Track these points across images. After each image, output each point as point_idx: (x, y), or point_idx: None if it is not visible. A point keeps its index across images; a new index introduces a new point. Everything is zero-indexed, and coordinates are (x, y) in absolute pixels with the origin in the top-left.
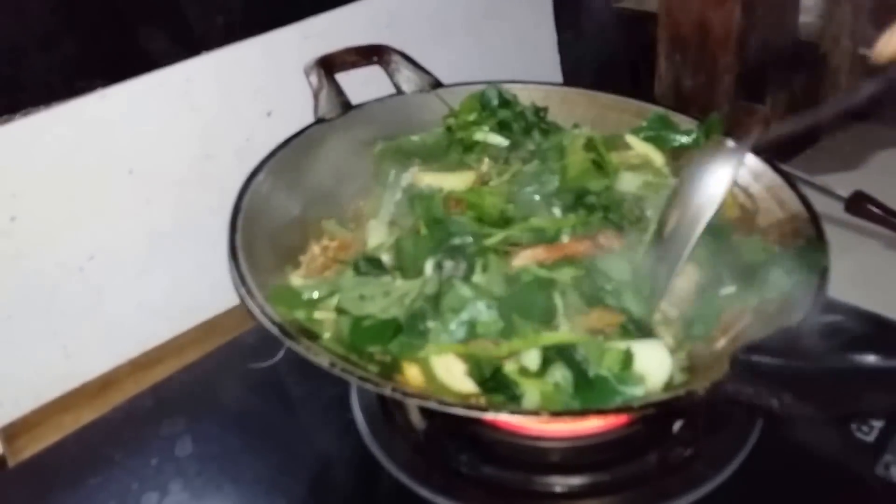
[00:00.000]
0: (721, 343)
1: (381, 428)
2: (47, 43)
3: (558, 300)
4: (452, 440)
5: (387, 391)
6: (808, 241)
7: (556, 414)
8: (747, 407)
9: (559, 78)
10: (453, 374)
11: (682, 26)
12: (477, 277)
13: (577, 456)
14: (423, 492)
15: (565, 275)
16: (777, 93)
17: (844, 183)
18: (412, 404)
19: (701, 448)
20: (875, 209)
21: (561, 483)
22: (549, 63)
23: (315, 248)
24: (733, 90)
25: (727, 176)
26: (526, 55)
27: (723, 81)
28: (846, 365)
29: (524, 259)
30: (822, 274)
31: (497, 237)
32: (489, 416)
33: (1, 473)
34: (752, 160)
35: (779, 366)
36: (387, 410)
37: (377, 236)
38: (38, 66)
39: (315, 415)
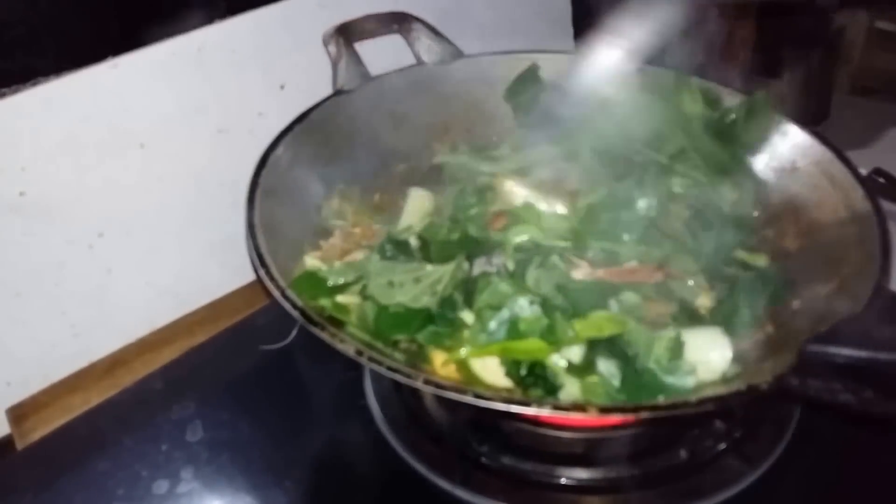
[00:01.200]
0: (769, 329)
1: (396, 415)
2: (57, 10)
3: (613, 304)
4: (473, 430)
5: (419, 384)
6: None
7: (605, 410)
8: (815, 404)
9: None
10: (488, 367)
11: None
12: (530, 275)
13: (604, 448)
14: (442, 482)
15: (627, 297)
16: (793, 68)
17: (859, 160)
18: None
19: (735, 442)
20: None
21: (586, 476)
22: (564, 34)
23: (338, 235)
24: (749, 66)
25: None
26: (542, 23)
27: (739, 57)
28: None
29: (584, 273)
30: (885, 255)
31: (563, 245)
32: (532, 411)
33: (9, 457)
34: (798, 134)
35: (857, 358)
36: (403, 397)
37: (415, 208)
38: (48, 35)
39: (328, 400)
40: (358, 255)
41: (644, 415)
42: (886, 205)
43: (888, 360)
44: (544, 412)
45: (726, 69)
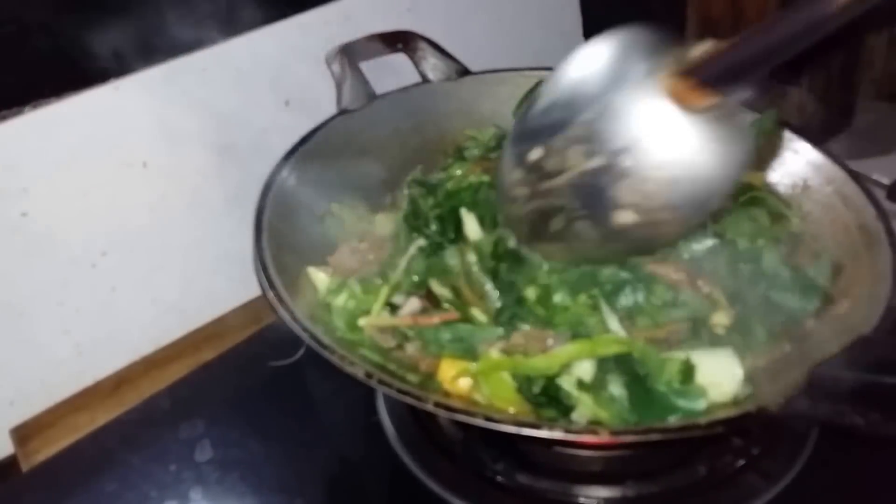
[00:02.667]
0: (785, 348)
1: (410, 433)
2: (59, 33)
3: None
4: (487, 448)
5: (429, 407)
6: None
7: (616, 433)
8: (823, 425)
9: None
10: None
11: (714, 6)
12: None
13: (621, 465)
14: (457, 502)
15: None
16: (813, 74)
17: (883, 168)
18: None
19: (753, 459)
20: None
21: (602, 494)
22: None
23: (345, 250)
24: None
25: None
26: (551, 38)
27: None
28: None
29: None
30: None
31: None
32: (543, 434)
33: (15, 479)
34: (810, 152)
35: (864, 381)
36: (416, 415)
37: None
38: (50, 57)
39: (340, 417)
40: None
41: (654, 437)
42: None
43: (886, 383)
44: (556, 435)
45: None
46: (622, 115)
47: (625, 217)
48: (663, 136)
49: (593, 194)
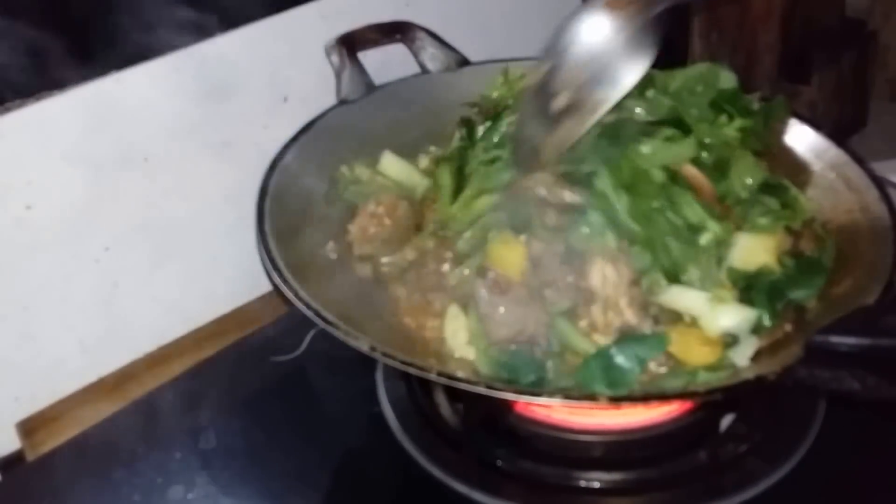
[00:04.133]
0: (788, 328)
1: (411, 421)
2: (61, 26)
3: None
4: (488, 434)
5: (432, 376)
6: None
7: (616, 400)
8: (823, 393)
9: None
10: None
11: (720, 2)
12: None
13: (622, 451)
14: (459, 487)
15: None
16: (823, 73)
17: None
18: (442, 397)
19: (756, 443)
20: None
21: (604, 479)
22: None
23: (363, 217)
24: (775, 71)
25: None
26: (550, 28)
27: (763, 62)
28: None
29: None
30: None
31: None
32: (542, 401)
33: (21, 467)
34: (813, 136)
35: (860, 345)
36: (417, 403)
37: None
38: (52, 50)
39: (342, 408)
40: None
41: (653, 404)
42: None
43: (889, 346)
44: (555, 402)
45: (750, 75)
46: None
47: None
48: (591, 37)
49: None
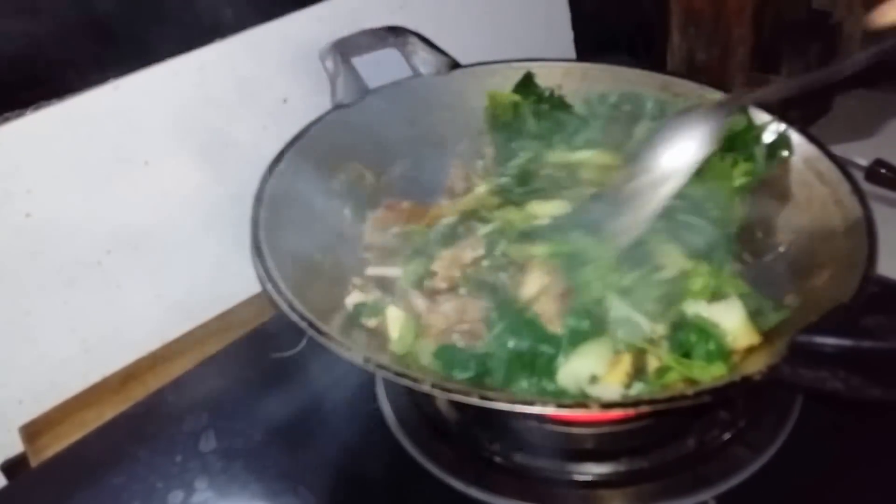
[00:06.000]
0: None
1: (409, 418)
2: (59, 36)
3: None
4: (484, 430)
5: (426, 388)
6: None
7: (606, 406)
8: (807, 391)
9: (573, 54)
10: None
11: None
12: None
13: (613, 442)
14: (456, 482)
15: None
16: (792, 63)
17: (861, 151)
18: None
19: (740, 431)
20: None
21: (596, 470)
22: (563, 40)
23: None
24: (748, 62)
25: (704, 140)
26: (541, 32)
27: (737, 53)
28: None
29: None
30: (871, 246)
31: None
32: (536, 410)
33: (25, 473)
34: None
35: (842, 346)
36: (415, 400)
37: None
38: (50, 60)
39: (341, 406)
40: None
41: (643, 409)
42: (888, 194)
43: (871, 348)
44: (548, 411)
45: (725, 66)
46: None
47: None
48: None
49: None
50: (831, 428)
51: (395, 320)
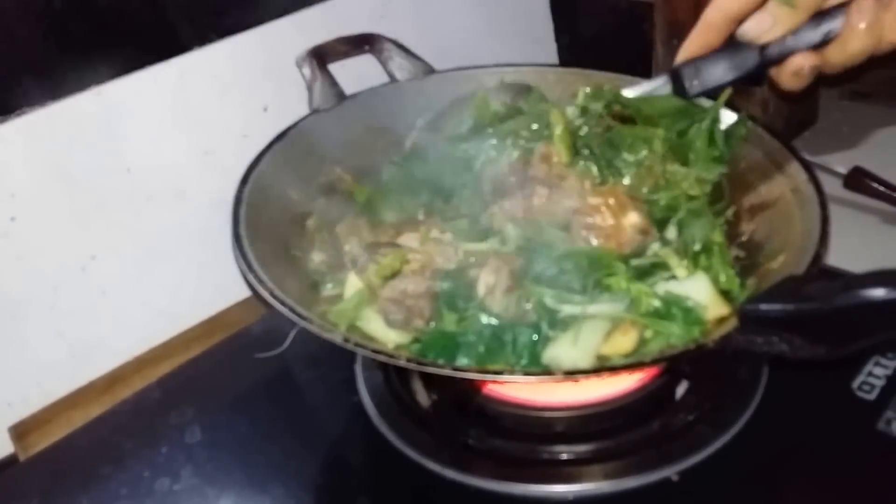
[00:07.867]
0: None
1: (388, 407)
2: (39, 43)
3: None
4: (460, 415)
5: (402, 362)
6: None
7: (570, 373)
8: (759, 357)
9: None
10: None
11: (679, 11)
12: None
13: (582, 425)
14: (433, 466)
15: None
16: None
17: (843, 161)
18: (418, 384)
19: (704, 412)
20: (874, 184)
21: (567, 451)
22: (547, 48)
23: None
24: None
25: None
26: (525, 44)
27: None
28: (854, 301)
29: None
30: (823, 225)
31: None
32: (504, 378)
33: (13, 467)
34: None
35: (786, 310)
36: (393, 390)
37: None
38: (32, 67)
39: (323, 399)
40: None
41: (605, 375)
42: (867, 201)
43: (810, 309)
44: (516, 379)
45: None
46: None
47: None
48: None
49: None
50: (793, 408)
51: (352, 286)
